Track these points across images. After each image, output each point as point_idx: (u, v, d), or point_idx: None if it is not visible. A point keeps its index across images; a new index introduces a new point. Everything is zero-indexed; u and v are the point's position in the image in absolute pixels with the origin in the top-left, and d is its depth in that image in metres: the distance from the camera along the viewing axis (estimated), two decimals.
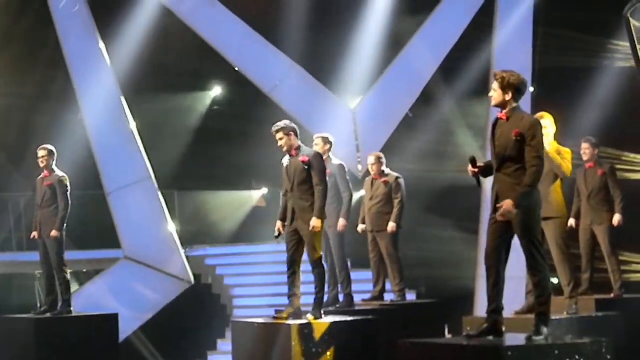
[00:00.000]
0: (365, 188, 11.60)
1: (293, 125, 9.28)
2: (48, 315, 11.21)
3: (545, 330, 6.89)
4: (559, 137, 9.27)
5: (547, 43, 15.80)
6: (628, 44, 12.74)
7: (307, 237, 9.06)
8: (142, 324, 16.10)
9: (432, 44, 16.21)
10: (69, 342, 11.06)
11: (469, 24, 16.04)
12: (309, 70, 16.31)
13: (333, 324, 8.93)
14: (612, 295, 10.73)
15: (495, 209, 6.99)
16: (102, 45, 16.29)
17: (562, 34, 15.61)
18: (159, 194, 16.28)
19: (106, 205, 16.13)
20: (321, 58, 16.45)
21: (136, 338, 16.44)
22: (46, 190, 11.18)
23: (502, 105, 7.11)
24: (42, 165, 11.24)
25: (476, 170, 7.27)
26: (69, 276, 11.21)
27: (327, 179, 9.31)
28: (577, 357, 6.62)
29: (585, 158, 10.88)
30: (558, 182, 9.10)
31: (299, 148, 9.24)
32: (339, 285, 10.88)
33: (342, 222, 10.76)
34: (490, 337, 6.96)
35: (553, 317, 7.62)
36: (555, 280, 8.94)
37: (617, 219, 10.71)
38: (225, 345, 14.99)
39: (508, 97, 7.07)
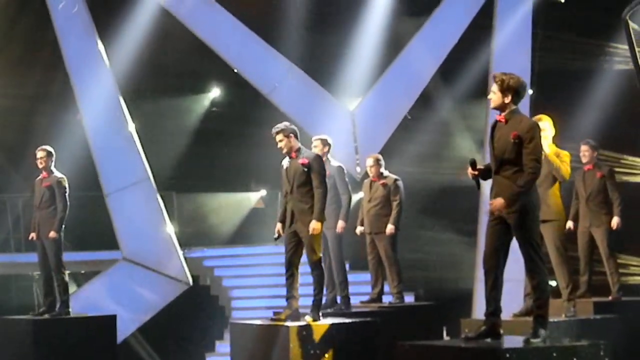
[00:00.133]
0: (364, 190, 11.60)
1: (293, 127, 9.28)
2: (46, 316, 11.21)
3: (543, 332, 6.90)
4: (557, 140, 9.28)
5: (546, 45, 15.80)
6: (627, 47, 12.71)
7: (306, 239, 9.06)
8: (140, 325, 16.05)
9: (431, 45, 16.18)
10: (67, 343, 11.07)
11: (468, 26, 16.03)
12: (307, 71, 16.28)
13: (332, 325, 8.94)
14: (610, 297, 10.75)
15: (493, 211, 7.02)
16: (101, 46, 16.26)
17: (561, 36, 15.63)
18: (158, 195, 16.23)
19: (105, 207, 16.09)
20: (320, 60, 16.43)
21: (134, 339, 16.41)
22: (45, 191, 11.17)
23: (501, 107, 7.12)
24: (40, 166, 11.23)
25: (476, 172, 7.27)
26: (67, 277, 11.21)
27: (327, 180, 9.31)
28: (575, 359, 6.63)
29: (584, 160, 10.88)
30: (556, 184, 9.11)
31: (298, 150, 9.23)
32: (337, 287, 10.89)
33: (340, 223, 10.76)
34: (488, 340, 6.97)
35: (551, 320, 7.63)
36: (553, 283, 8.96)
37: (615, 221, 10.72)
38: (223, 346, 14.98)
39: (507, 99, 7.08)
